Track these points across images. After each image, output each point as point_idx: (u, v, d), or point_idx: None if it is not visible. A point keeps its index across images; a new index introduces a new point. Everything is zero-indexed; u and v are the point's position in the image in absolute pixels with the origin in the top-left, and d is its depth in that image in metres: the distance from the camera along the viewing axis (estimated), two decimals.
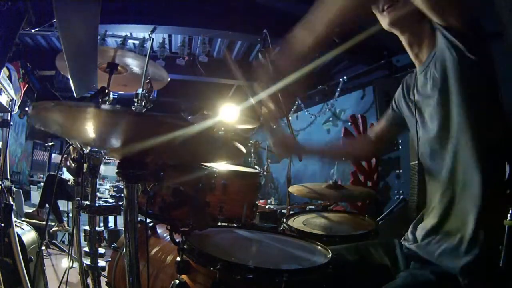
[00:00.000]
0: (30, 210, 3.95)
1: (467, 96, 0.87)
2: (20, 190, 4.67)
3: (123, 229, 0.87)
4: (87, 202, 1.45)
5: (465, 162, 0.90)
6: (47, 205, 3.79)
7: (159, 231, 1.49)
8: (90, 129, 0.72)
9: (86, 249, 1.57)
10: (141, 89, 1.53)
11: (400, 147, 3.55)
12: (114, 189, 5.16)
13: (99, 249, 1.59)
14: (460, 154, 0.90)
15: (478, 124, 0.87)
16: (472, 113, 0.87)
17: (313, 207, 3.11)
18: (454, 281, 0.87)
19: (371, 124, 4.15)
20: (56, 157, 7.33)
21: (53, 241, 3.73)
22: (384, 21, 1.02)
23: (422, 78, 1.04)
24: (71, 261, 1.73)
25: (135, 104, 1.51)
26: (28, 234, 1.87)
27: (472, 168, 0.87)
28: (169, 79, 1.97)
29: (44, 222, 3.64)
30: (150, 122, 0.69)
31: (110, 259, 1.56)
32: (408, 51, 1.08)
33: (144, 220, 1.35)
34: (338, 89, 4.63)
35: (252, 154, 3.43)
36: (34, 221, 3.50)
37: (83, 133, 0.80)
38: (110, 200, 3.69)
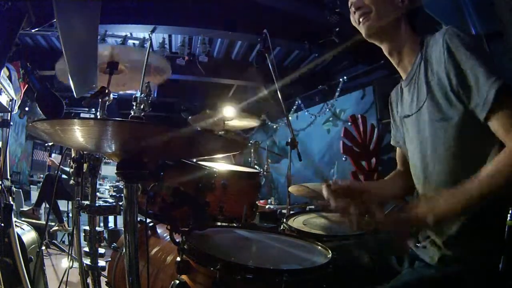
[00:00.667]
0: (26, 209, 3.95)
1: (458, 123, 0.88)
2: (20, 190, 4.67)
3: (123, 229, 0.87)
4: (87, 202, 1.45)
5: (457, 171, 0.90)
6: (46, 205, 3.79)
7: (159, 231, 1.49)
8: (79, 138, 0.73)
9: (86, 249, 1.57)
10: (139, 93, 1.53)
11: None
12: (114, 189, 5.16)
13: (99, 249, 1.59)
14: (452, 166, 0.91)
15: (470, 147, 0.87)
16: (462, 137, 0.88)
17: (313, 207, 3.11)
18: (457, 281, 0.87)
19: (371, 125, 4.15)
20: (56, 157, 7.33)
21: (53, 241, 3.73)
22: (362, 32, 1.04)
23: (407, 93, 1.05)
24: (71, 261, 1.73)
25: (134, 107, 1.51)
26: (28, 234, 1.87)
27: (465, 177, 0.88)
28: (170, 72, 1.94)
29: (41, 221, 3.65)
30: (138, 127, 0.70)
31: (110, 259, 1.56)
32: (390, 59, 1.08)
33: (144, 220, 1.35)
34: (338, 89, 4.64)
35: (252, 154, 3.44)
36: (34, 221, 3.50)
37: (75, 142, 0.81)
38: (110, 200, 3.69)
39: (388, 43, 1.03)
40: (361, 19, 1.01)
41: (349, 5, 1.05)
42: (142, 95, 1.51)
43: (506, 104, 0.79)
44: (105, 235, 3.76)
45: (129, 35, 4.23)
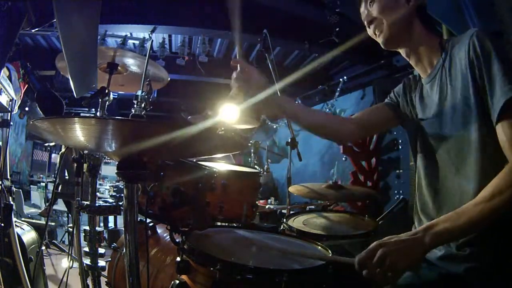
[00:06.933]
0: (31, 210, 3.95)
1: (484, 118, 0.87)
2: (20, 190, 4.67)
3: (123, 229, 0.87)
4: (87, 202, 1.45)
5: (467, 170, 0.89)
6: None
7: (159, 231, 1.49)
8: (80, 137, 0.73)
9: (86, 249, 1.57)
10: (140, 91, 1.52)
11: (400, 147, 3.54)
12: (114, 189, 5.16)
13: (99, 249, 1.59)
14: (464, 164, 0.90)
15: (487, 142, 0.87)
16: (484, 132, 0.87)
17: (313, 207, 3.11)
18: (459, 282, 0.86)
19: None
20: (56, 157, 7.33)
21: (53, 241, 3.74)
22: (380, 43, 1.06)
23: (429, 89, 1.04)
24: (71, 261, 1.73)
25: (135, 106, 1.51)
26: (28, 234, 1.87)
27: (474, 175, 0.87)
28: (169, 79, 1.97)
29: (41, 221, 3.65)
30: (139, 125, 0.70)
31: (110, 259, 1.56)
32: (408, 60, 1.09)
33: (144, 220, 1.35)
34: (338, 89, 4.63)
35: (252, 154, 3.43)
36: (34, 221, 3.50)
37: (76, 141, 0.81)
38: (110, 200, 3.69)
39: (406, 47, 1.05)
40: (376, 33, 1.04)
41: (363, 19, 1.07)
42: (143, 93, 1.50)
43: None
44: (105, 235, 3.76)
45: (129, 35, 4.23)
